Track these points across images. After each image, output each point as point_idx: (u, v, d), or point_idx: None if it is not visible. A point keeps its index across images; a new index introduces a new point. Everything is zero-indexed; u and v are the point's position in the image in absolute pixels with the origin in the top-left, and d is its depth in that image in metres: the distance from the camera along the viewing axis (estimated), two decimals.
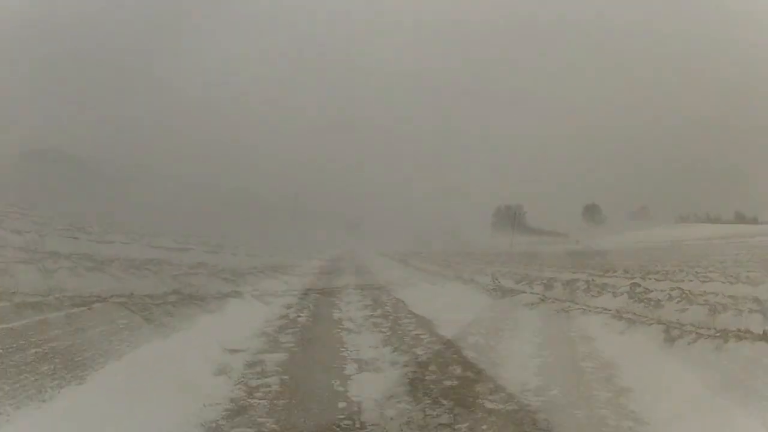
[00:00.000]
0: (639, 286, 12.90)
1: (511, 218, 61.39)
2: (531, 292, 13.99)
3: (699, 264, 16.48)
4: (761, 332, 6.30)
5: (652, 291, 11.87)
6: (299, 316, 10.60)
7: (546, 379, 6.14)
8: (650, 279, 13.97)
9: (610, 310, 9.91)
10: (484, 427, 4.68)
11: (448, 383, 5.92)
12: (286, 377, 6.08)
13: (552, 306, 11.47)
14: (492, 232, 61.82)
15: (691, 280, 12.19)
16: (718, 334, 6.61)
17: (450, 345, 7.86)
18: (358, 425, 4.70)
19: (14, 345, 5.06)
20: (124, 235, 17.73)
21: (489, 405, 5.18)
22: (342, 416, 4.88)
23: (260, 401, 5.22)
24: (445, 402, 5.25)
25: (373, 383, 5.92)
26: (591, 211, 70.15)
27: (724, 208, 59.68)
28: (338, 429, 4.63)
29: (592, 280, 15.32)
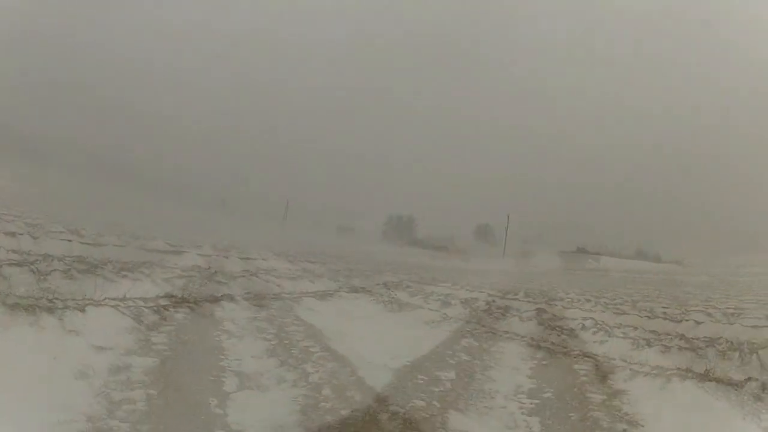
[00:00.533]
0: (546, 312, 12.96)
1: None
2: (429, 308, 13.57)
3: (604, 295, 17.07)
4: (703, 371, 6.16)
5: (561, 318, 11.88)
6: None
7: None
8: (556, 305, 14.11)
9: (524, 337, 9.64)
10: None
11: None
12: None
13: (455, 326, 11.05)
14: (381, 241, 62.23)
15: (603, 311, 12.38)
16: (654, 371, 6.39)
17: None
18: None
19: None
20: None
21: None
22: None
23: None
24: None
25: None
26: (484, 231, 73.01)
27: (625, 244, 64.41)
28: None
29: (493, 301, 15.27)
